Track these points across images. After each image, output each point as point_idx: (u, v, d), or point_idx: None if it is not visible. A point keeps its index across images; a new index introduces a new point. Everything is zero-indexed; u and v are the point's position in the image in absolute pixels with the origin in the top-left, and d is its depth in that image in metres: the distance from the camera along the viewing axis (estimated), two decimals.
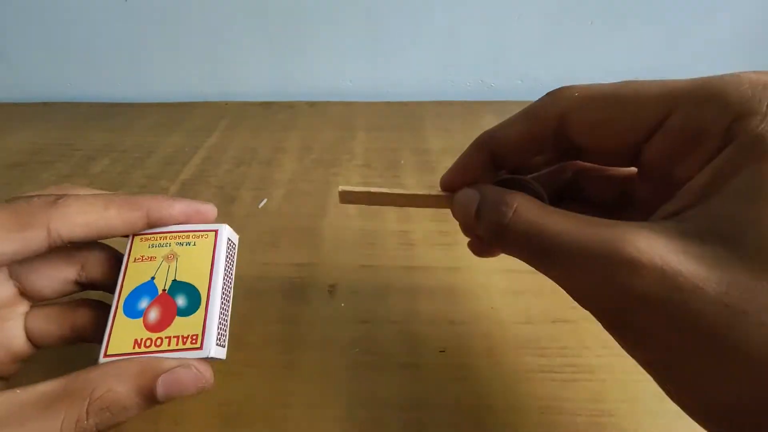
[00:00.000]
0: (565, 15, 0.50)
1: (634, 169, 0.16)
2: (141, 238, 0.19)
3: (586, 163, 0.18)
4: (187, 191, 0.38)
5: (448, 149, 0.44)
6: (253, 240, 0.32)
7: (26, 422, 0.13)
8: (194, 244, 0.19)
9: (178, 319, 0.18)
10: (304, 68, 0.55)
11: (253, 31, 0.52)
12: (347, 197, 0.21)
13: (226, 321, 0.19)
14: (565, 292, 0.14)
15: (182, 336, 0.17)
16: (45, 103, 0.56)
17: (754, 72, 0.12)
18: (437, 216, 0.33)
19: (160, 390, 0.15)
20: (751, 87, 0.11)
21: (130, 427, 0.21)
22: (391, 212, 0.34)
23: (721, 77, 0.12)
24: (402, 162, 0.42)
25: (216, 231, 0.20)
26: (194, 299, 0.18)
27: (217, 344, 0.17)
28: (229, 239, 0.20)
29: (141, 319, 0.18)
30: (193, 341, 0.17)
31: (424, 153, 0.43)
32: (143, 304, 0.18)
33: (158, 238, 0.20)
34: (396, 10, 0.50)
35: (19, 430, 0.13)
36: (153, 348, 0.17)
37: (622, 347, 0.13)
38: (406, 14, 0.50)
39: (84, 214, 0.16)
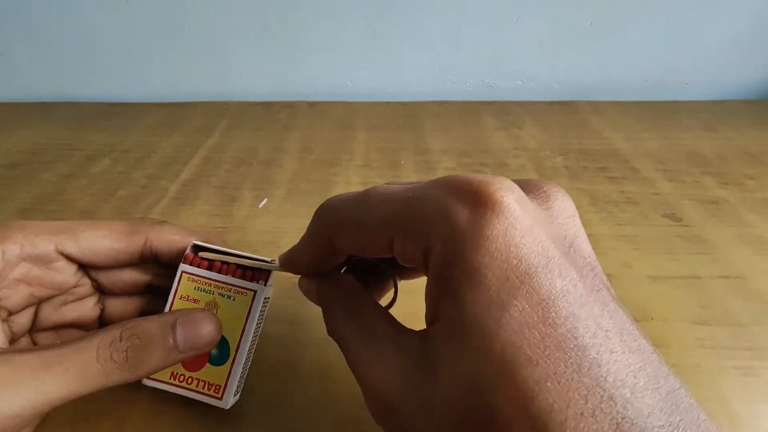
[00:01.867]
0: (565, 15, 0.50)
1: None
2: (189, 278, 0.21)
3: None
4: (187, 191, 0.38)
5: (448, 149, 0.44)
6: (253, 240, 0.32)
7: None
8: (234, 299, 0.21)
9: (208, 366, 0.20)
10: (305, 68, 0.55)
11: (254, 31, 0.52)
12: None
13: (247, 368, 0.21)
14: None
15: (208, 382, 0.20)
16: (45, 103, 0.56)
17: (436, 203, 0.13)
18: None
19: (179, 328, 0.18)
20: (427, 222, 0.12)
21: (132, 427, 0.21)
22: None
23: (418, 201, 0.13)
24: (402, 162, 0.42)
25: (255, 292, 0.21)
26: (224, 352, 0.20)
27: (234, 395, 0.20)
28: (266, 298, 0.21)
29: None
30: (216, 391, 0.20)
31: (424, 153, 0.43)
32: None
33: (203, 283, 0.21)
34: (396, 11, 0.50)
35: (64, 346, 0.16)
36: (184, 384, 0.20)
37: None
38: (407, 14, 0.50)
39: (173, 234, 0.21)
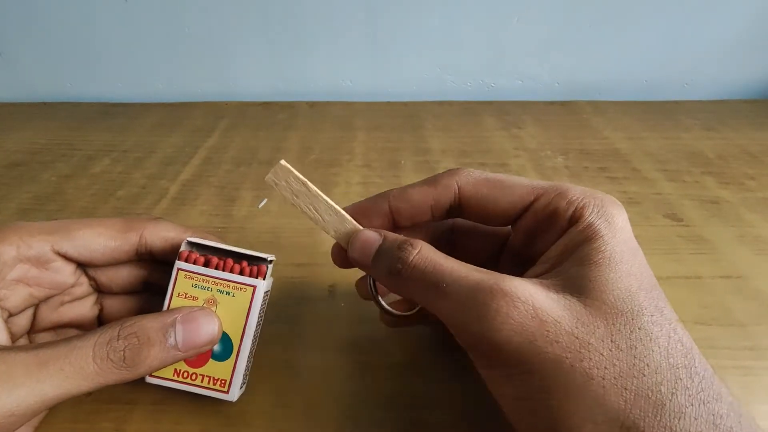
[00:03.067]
0: (565, 15, 0.50)
1: (506, 228, 0.20)
2: (185, 275, 0.21)
3: (463, 221, 0.22)
4: (187, 191, 0.38)
5: (448, 149, 0.44)
6: (253, 240, 0.32)
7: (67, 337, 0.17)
8: (233, 296, 0.21)
9: (212, 362, 0.20)
10: (305, 68, 0.55)
11: (254, 31, 0.52)
12: (280, 176, 0.21)
13: (250, 362, 0.21)
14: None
15: (213, 378, 0.20)
16: (45, 103, 0.56)
17: (582, 187, 0.18)
18: None
19: (178, 327, 0.18)
20: (583, 192, 0.17)
21: (132, 427, 0.21)
22: None
23: (566, 184, 0.18)
24: (402, 162, 0.42)
25: (254, 288, 0.21)
26: (227, 348, 0.20)
27: (240, 387, 0.20)
28: (266, 292, 0.21)
29: None
30: (222, 385, 0.20)
31: (424, 153, 0.43)
32: None
33: (201, 280, 0.21)
34: (396, 11, 0.50)
35: (60, 344, 0.16)
36: (189, 380, 0.20)
37: (491, 386, 0.16)
38: (406, 14, 0.50)
39: (168, 231, 0.21)
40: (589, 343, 0.13)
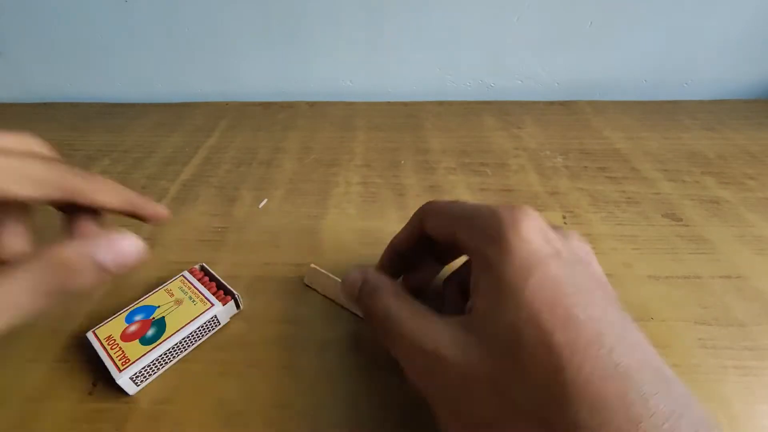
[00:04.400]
0: (565, 15, 0.50)
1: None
2: (182, 281, 0.26)
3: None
4: (187, 191, 0.38)
5: (448, 149, 0.44)
6: (253, 240, 0.32)
7: None
8: (195, 303, 0.25)
9: (137, 342, 0.23)
10: (304, 68, 0.55)
11: (254, 31, 0.52)
12: (312, 277, 0.27)
13: (160, 368, 0.23)
14: None
15: (126, 355, 0.22)
16: (45, 103, 0.56)
17: (501, 207, 0.18)
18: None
19: (102, 250, 0.16)
20: (485, 215, 0.18)
21: (132, 427, 0.21)
22: (391, 212, 0.34)
23: (479, 210, 0.19)
24: (402, 162, 0.42)
25: (212, 306, 0.24)
26: (156, 339, 0.23)
27: (131, 379, 0.21)
28: (216, 317, 0.24)
29: (126, 325, 0.23)
30: (124, 364, 0.22)
31: (424, 153, 0.43)
32: (138, 317, 0.24)
33: (187, 287, 0.26)
34: (396, 11, 0.50)
35: None
36: (110, 350, 0.22)
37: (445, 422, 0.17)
38: (406, 14, 0.50)
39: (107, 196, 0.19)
40: (471, 387, 0.15)
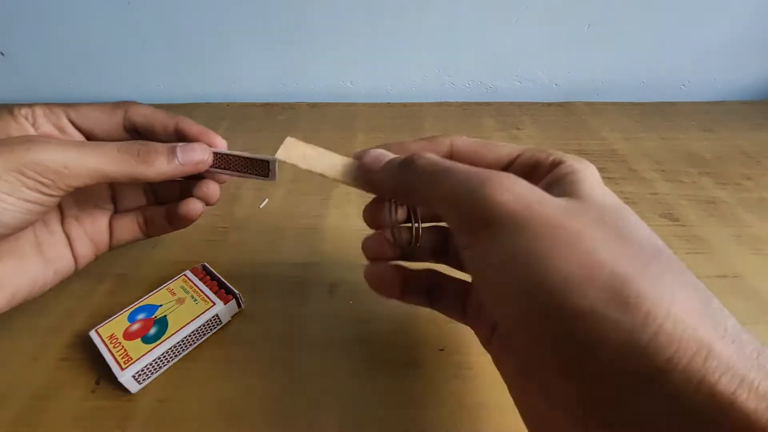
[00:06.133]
0: (564, 17, 0.50)
1: None
2: (184, 280, 0.26)
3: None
4: None
5: None
6: (253, 240, 0.32)
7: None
8: (197, 302, 0.25)
9: (139, 341, 0.23)
10: (305, 69, 0.55)
11: (255, 32, 0.52)
12: (290, 149, 0.24)
13: (162, 367, 0.23)
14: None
15: (128, 353, 0.22)
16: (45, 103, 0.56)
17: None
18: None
19: (179, 148, 0.23)
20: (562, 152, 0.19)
21: (135, 425, 0.21)
22: None
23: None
24: None
25: (213, 305, 0.25)
26: (157, 337, 0.23)
27: (133, 377, 0.22)
28: (217, 316, 0.25)
29: (129, 324, 0.24)
30: (126, 362, 0.22)
31: None
32: (140, 316, 0.24)
33: (189, 286, 0.26)
34: (396, 12, 0.50)
35: (93, 142, 0.22)
36: (112, 348, 0.22)
37: (473, 263, 0.16)
38: (406, 16, 0.50)
39: (147, 110, 0.25)
40: (580, 216, 0.14)
